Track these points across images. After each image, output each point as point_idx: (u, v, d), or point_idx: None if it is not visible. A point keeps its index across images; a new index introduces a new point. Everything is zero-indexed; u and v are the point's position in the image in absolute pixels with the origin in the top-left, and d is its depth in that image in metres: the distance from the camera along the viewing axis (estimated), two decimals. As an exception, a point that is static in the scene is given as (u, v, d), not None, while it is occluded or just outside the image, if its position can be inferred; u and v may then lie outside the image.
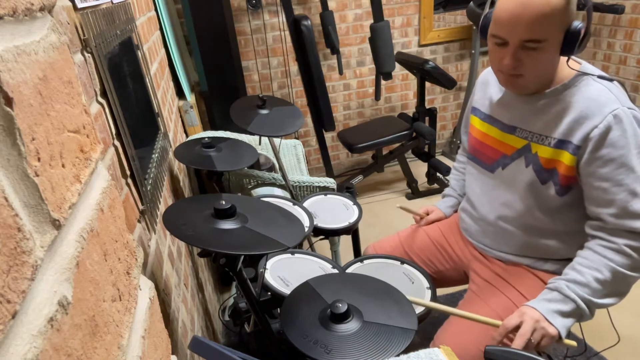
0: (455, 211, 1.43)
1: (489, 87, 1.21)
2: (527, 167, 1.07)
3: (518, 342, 0.95)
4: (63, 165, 0.34)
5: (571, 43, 0.93)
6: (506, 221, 1.15)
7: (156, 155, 1.13)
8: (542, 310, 0.98)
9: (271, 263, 1.16)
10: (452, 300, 1.94)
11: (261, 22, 2.76)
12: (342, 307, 0.81)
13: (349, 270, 1.19)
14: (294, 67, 2.92)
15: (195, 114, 2.15)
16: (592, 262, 0.98)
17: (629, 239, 0.95)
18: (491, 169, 1.18)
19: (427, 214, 1.44)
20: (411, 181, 2.90)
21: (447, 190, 1.48)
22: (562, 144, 1.00)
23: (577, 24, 0.93)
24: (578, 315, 0.99)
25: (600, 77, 0.99)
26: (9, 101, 0.27)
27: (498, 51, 1.00)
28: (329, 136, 3.16)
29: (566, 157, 0.99)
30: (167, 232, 1.11)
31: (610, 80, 0.99)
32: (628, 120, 0.93)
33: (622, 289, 1.00)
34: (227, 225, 0.79)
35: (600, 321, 1.29)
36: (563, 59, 1.01)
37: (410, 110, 3.13)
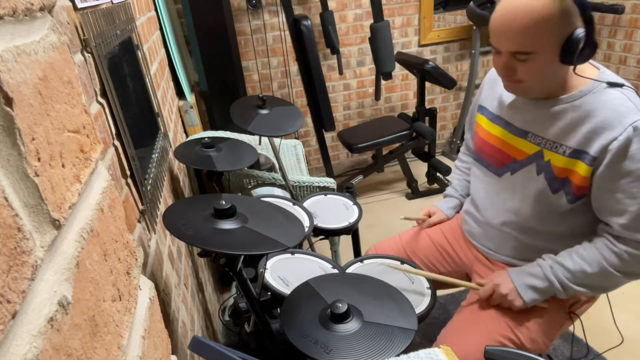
0: (457, 212, 1.43)
1: (497, 86, 1.17)
2: (539, 175, 1.04)
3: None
4: (63, 165, 0.34)
5: (569, 53, 0.90)
6: (511, 227, 1.14)
7: (156, 155, 1.13)
8: (517, 283, 1.06)
9: (271, 263, 1.16)
10: (453, 301, 1.94)
11: (261, 22, 2.76)
12: (342, 307, 0.81)
13: (349, 270, 1.19)
14: (294, 67, 2.92)
15: (195, 114, 2.15)
16: (587, 256, 1.00)
17: (632, 247, 0.96)
18: (499, 172, 1.15)
19: (429, 216, 1.43)
20: (411, 181, 2.90)
21: (448, 190, 1.47)
22: (577, 153, 0.97)
23: (578, 32, 0.89)
24: (551, 293, 1.05)
25: (617, 84, 0.95)
26: (9, 101, 0.27)
27: (496, 58, 1.00)
28: (329, 136, 3.16)
29: (581, 168, 0.97)
30: (167, 232, 1.11)
31: (621, 85, 0.95)
32: None
33: (603, 284, 1.03)
34: (227, 225, 0.79)
35: (603, 322, 1.29)
36: (578, 68, 0.97)
37: (410, 110, 3.13)
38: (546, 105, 1.02)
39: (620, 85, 0.95)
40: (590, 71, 0.99)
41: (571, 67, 0.97)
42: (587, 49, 0.91)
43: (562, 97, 1.00)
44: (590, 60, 1.02)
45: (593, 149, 0.94)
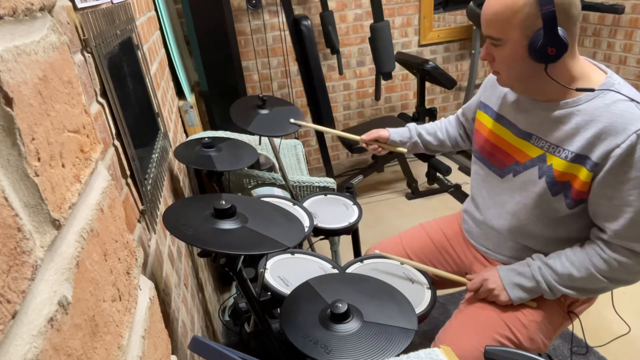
0: (404, 143, 1.41)
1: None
2: (540, 179, 1.03)
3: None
4: (63, 165, 0.34)
5: (534, 49, 0.91)
6: (509, 229, 1.13)
7: (156, 155, 1.13)
8: (505, 281, 1.08)
9: (271, 263, 1.17)
10: (453, 300, 1.94)
11: (261, 22, 2.76)
12: (342, 307, 0.81)
13: (349, 270, 1.19)
14: (294, 67, 2.92)
15: (195, 114, 2.15)
16: (576, 260, 1.01)
17: (621, 254, 0.96)
18: (501, 174, 1.14)
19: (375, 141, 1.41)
20: (411, 181, 2.90)
21: (411, 124, 1.44)
22: (579, 158, 0.96)
23: (542, 31, 0.89)
24: (538, 293, 1.07)
25: (626, 95, 0.92)
26: (9, 101, 0.27)
27: None
28: (329, 136, 3.16)
29: (583, 173, 0.95)
30: (167, 232, 1.11)
31: (632, 100, 0.92)
32: None
33: (589, 288, 1.03)
34: (227, 225, 0.79)
35: (603, 321, 1.29)
36: (584, 71, 0.97)
37: (410, 110, 3.13)
38: (551, 109, 1.01)
39: (628, 97, 0.92)
40: (597, 75, 0.98)
41: (569, 72, 0.96)
42: (552, 49, 0.90)
43: (568, 100, 0.98)
44: (599, 64, 1.01)
45: (595, 155, 0.93)
